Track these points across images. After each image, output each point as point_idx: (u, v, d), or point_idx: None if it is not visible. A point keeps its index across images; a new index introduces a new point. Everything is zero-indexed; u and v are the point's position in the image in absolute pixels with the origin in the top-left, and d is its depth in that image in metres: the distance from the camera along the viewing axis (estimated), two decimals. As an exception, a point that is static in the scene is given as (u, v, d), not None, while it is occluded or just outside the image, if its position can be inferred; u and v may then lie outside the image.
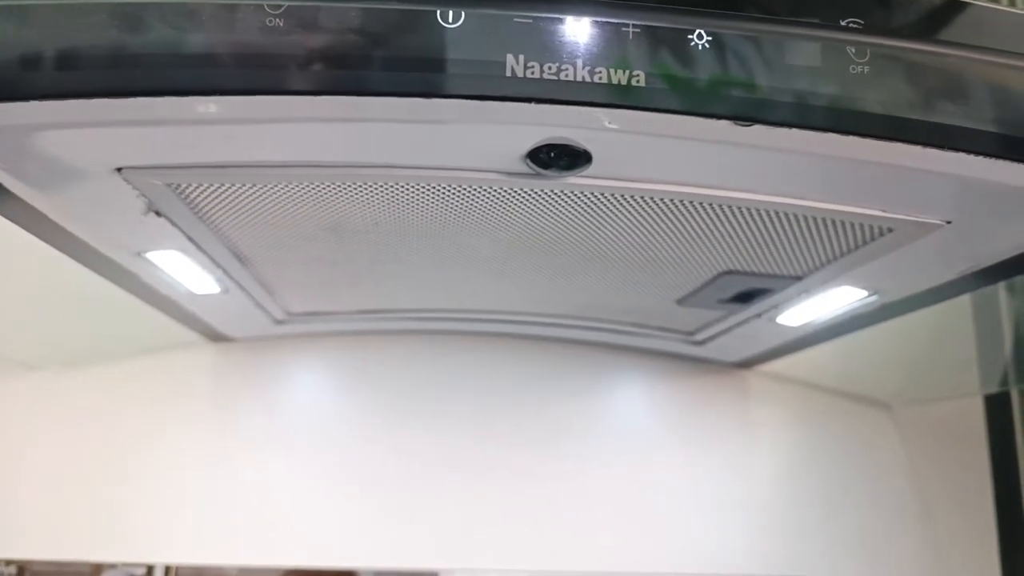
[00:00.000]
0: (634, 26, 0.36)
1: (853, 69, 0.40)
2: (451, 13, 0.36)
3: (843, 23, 0.41)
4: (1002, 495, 1.02)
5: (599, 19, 0.36)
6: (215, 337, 0.96)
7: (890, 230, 0.50)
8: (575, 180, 0.45)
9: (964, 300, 0.86)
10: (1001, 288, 0.90)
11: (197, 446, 0.95)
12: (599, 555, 0.96)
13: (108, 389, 0.96)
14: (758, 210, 0.49)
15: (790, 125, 0.39)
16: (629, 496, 1.00)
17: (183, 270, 0.65)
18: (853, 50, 0.39)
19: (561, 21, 0.36)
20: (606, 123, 0.39)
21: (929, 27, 0.42)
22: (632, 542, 0.98)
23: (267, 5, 0.33)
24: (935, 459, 1.06)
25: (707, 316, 0.82)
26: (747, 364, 1.03)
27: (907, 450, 1.06)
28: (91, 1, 0.32)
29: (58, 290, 0.74)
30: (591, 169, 0.44)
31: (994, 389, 1.02)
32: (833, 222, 0.51)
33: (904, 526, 1.03)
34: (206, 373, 0.99)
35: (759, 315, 0.76)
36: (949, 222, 0.48)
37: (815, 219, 0.50)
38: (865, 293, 0.65)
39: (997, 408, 1.04)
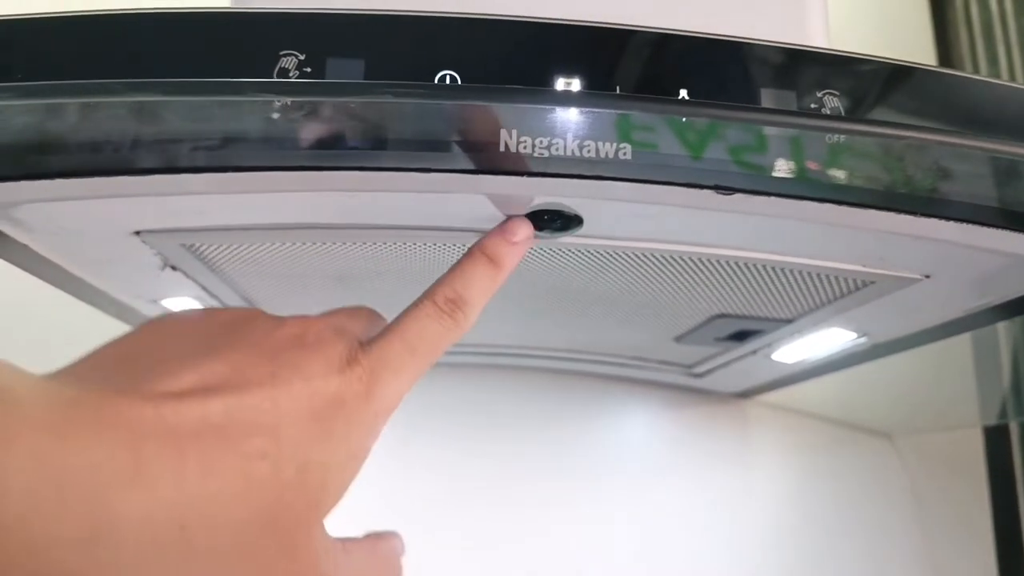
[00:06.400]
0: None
1: (829, 139, 0.42)
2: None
3: (820, 94, 0.43)
4: (1001, 525, 1.03)
5: (584, 110, 0.38)
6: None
7: (872, 282, 0.52)
8: (568, 240, 0.47)
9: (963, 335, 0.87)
10: (1000, 324, 0.91)
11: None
12: (602, 584, 0.98)
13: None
14: (744, 263, 0.51)
15: (769, 193, 0.41)
16: (631, 523, 1.01)
17: (196, 314, 0.68)
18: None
19: (552, 111, 0.38)
20: (594, 193, 0.41)
21: (902, 97, 0.44)
22: (633, 570, 0.99)
23: (276, 100, 0.36)
24: (936, 489, 1.07)
25: (705, 352, 0.84)
26: (747, 395, 1.05)
27: (908, 479, 1.07)
28: (113, 100, 0.35)
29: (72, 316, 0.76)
30: (583, 230, 0.46)
31: (992, 421, 1.02)
32: (817, 275, 0.53)
33: (905, 555, 1.03)
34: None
35: (755, 352, 0.78)
36: (928, 276, 0.50)
37: (799, 272, 0.52)
38: (855, 335, 0.66)
39: (996, 439, 1.04)
